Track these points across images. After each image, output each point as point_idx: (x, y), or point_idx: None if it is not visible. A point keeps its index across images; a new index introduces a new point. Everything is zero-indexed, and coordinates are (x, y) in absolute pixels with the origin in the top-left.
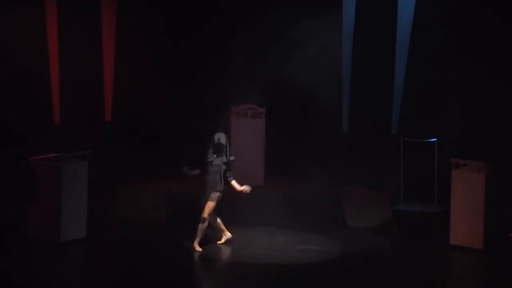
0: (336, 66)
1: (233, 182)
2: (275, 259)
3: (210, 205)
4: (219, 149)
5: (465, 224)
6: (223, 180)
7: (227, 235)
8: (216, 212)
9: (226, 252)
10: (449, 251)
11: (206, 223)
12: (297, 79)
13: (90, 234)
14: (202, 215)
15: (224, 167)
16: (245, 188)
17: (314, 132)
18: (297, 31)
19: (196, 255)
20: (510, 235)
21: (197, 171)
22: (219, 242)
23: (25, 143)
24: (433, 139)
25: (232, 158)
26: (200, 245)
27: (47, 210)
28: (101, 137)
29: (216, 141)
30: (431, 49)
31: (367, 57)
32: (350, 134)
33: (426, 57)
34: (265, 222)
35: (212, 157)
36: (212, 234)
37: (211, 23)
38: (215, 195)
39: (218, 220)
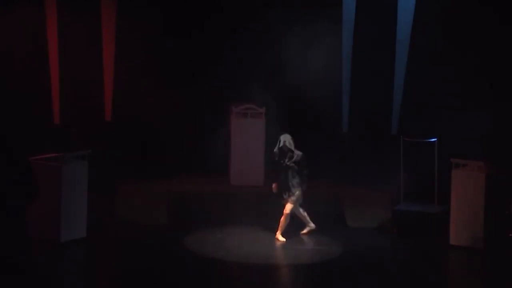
0: (336, 66)
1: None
2: (275, 259)
3: (289, 206)
4: (284, 151)
5: (465, 224)
6: (296, 179)
7: (311, 226)
8: (298, 205)
9: (226, 252)
10: (449, 251)
11: (288, 218)
12: (297, 79)
13: (90, 234)
14: (285, 211)
15: (295, 167)
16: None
17: (314, 132)
18: (297, 31)
19: (196, 256)
20: (510, 235)
21: None
22: (302, 232)
23: (25, 143)
24: (433, 139)
25: (296, 156)
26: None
27: (47, 210)
28: (101, 137)
29: (282, 143)
30: (431, 49)
31: (367, 57)
32: (350, 134)
33: (426, 57)
34: (265, 222)
35: (282, 159)
36: (212, 234)
37: (211, 23)
38: (293, 196)
39: (304, 213)
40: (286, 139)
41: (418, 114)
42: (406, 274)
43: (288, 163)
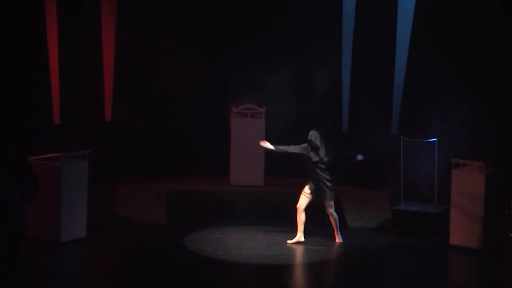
0: (336, 65)
1: None
2: (275, 259)
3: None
4: (313, 147)
5: (465, 224)
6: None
7: (301, 238)
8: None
9: (226, 252)
10: (449, 251)
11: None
12: (297, 78)
13: (90, 234)
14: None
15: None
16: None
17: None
18: (297, 30)
19: (196, 256)
20: (510, 235)
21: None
22: (290, 241)
23: (25, 143)
24: (433, 139)
25: (323, 156)
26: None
27: (47, 210)
28: (101, 137)
29: (309, 138)
30: (431, 49)
31: (367, 57)
32: (350, 134)
33: (426, 57)
34: (265, 222)
35: (313, 156)
36: (212, 234)
37: (212, 23)
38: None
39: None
40: (312, 135)
41: (418, 114)
42: (406, 274)
43: (315, 161)
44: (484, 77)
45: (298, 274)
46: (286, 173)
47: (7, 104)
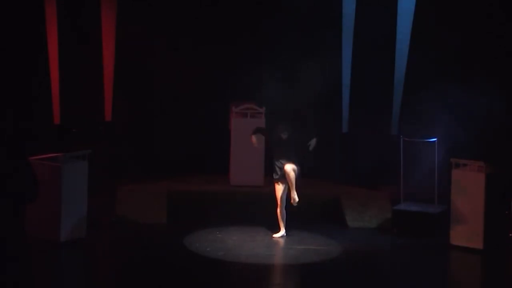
0: (336, 66)
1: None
2: (275, 259)
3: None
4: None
5: (465, 224)
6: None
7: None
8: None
9: (226, 252)
10: (449, 251)
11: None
12: (296, 78)
13: (90, 234)
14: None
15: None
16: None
17: (314, 132)
18: (297, 30)
19: (196, 256)
20: (511, 235)
21: None
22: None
23: (25, 143)
24: (433, 139)
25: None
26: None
27: (47, 210)
28: (101, 137)
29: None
30: (431, 49)
31: (367, 56)
32: (350, 134)
33: (426, 57)
34: (265, 222)
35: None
36: (212, 234)
37: (212, 23)
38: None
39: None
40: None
41: (418, 114)
42: (406, 274)
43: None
44: (484, 78)
45: (298, 274)
46: None
47: (7, 104)
